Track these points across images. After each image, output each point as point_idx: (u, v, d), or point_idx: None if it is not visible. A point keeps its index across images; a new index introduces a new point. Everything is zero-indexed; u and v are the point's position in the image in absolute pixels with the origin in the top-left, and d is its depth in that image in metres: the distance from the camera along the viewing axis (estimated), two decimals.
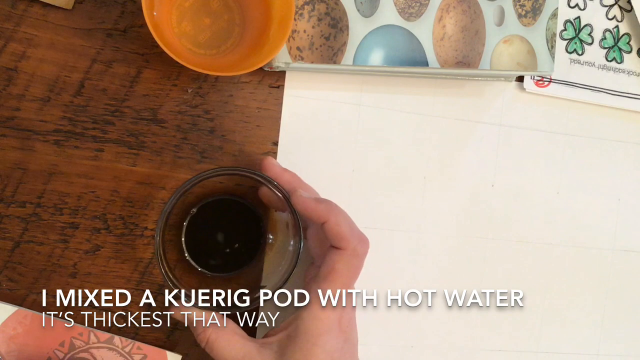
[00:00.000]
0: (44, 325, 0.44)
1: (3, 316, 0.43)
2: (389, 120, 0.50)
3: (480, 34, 0.47)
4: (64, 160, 0.45)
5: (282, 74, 0.48)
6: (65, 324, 0.44)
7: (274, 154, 0.48)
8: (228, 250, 0.47)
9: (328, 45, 0.44)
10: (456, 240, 0.52)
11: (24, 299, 0.45)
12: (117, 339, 0.45)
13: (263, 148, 0.48)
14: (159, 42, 0.40)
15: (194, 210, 0.45)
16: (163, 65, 0.46)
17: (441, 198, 0.51)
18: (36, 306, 0.45)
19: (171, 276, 0.41)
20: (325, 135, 0.49)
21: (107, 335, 0.45)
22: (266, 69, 0.47)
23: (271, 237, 0.47)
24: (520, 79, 0.53)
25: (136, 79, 0.46)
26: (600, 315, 0.54)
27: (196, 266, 0.45)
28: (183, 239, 0.45)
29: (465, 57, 0.47)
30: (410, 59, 0.46)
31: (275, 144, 0.48)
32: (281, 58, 0.44)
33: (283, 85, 0.48)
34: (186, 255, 0.45)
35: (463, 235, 0.52)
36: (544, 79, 0.53)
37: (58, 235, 0.45)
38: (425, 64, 0.46)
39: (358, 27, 0.45)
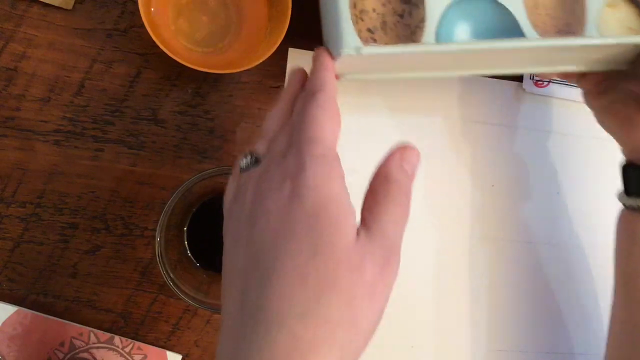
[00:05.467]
0: (44, 325, 0.44)
1: (3, 316, 0.43)
2: (388, 120, 0.50)
3: None
4: (64, 160, 0.45)
5: (281, 72, 0.48)
6: (65, 324, 0.44)
7: None
8: None
9: (403, 23, 0.37)
10: (456, 240, 0.52)
11: (24, 299, 0.45)
12: (117, 339, 0.45)
13: None
14: (154, 39, 0.40)
15: (194, 209, 0.46)
16: (163, 65, 0.46)
17: (441, 197, 0.51)
18: (36, 306, 0.45)
19: (172, 276, 0.41)
20: None
21: (107, 335, 0.45)
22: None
23: None
24: (519, 79, 0.53)
25: (136, 79, 0.46)
26: (601, 314, 0.54)
27: (198, 264, 0.45)
28: (185, 239, 0.45)
29: (567, 25, 0.40)
30: (502, 30, 0.38)
31: None
32: (348, 42, 0.35)
33: (283, 86, 0.48)
34: (188, 253, 0.45)
35: (462, 235, 0.52)
36: (543, 80, 0.53)
37: (58, 235, 0.45)
38: (520, 35, 0.38)
39: (435, 0, 0.37)
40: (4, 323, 0.43)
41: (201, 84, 0.47)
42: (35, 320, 0.44)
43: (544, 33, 0.39)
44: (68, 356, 0.44)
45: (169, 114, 0.47)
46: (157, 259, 0.40)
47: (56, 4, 0.45)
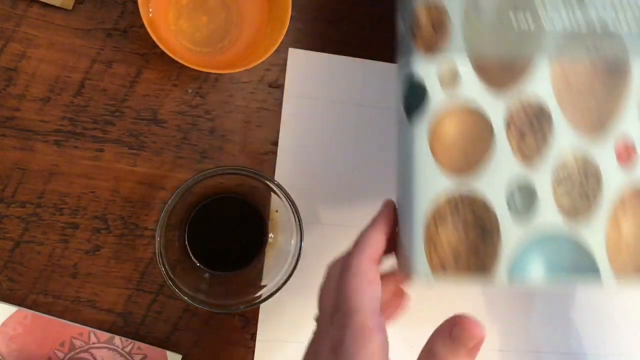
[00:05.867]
0: (44, 325, 0.44)
1: (3, 316, 0.43)
2: (389, 120, 0.50)
3: None
4: (64, 160, 0.45)
5: (281, 72, 0.48)
6: (65, 324, 0.44)
7: (274, 154, 0.48)
8: (229, 249, 0.47)
9: (476, 254, 0.37)
10: None
11: (24, 299, 0.45)
12: (117, 339, 0.45)
13: (263, 148, 0.48)
14: (154, 39, 0.40)
15: (194, 209, 0.45)
16: (163, 65, 0.46)
17: None
18: (36, 306, 0.45)
19: (172, 276, 0.41)
20: (326, 135, 0.49)
21: (107, 335, 0.45)
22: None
23: (271, 235, 0.47)
24: None
25: (136, 79, 0.46)
26: (600, 314, 0.54)
27: (198, 264, 0.45)
28: (185, 239, 0.45)
29: None
30: (577, 267, 0.37)
31: (275, 144, 0.48)
32: (419, 271, 0.36)
33: (283, 85, 0.48)
34: (188, 253, 0.45)
35: None
36: None
37: (58, 235, 0.45)
38: (595, 271, 0.37)
39: (512, 233, 0.37)
40: (4, 323, 0.43)
41: (201, 84, 0.47)
42: (35, 320, 0.44)
43: (621, 272, 0.38)
44: (68, 356, 0.44)
45: (169, 114, 0.47)
46: (157, 259, 0.40)
47: (56, 4, 0.45)
